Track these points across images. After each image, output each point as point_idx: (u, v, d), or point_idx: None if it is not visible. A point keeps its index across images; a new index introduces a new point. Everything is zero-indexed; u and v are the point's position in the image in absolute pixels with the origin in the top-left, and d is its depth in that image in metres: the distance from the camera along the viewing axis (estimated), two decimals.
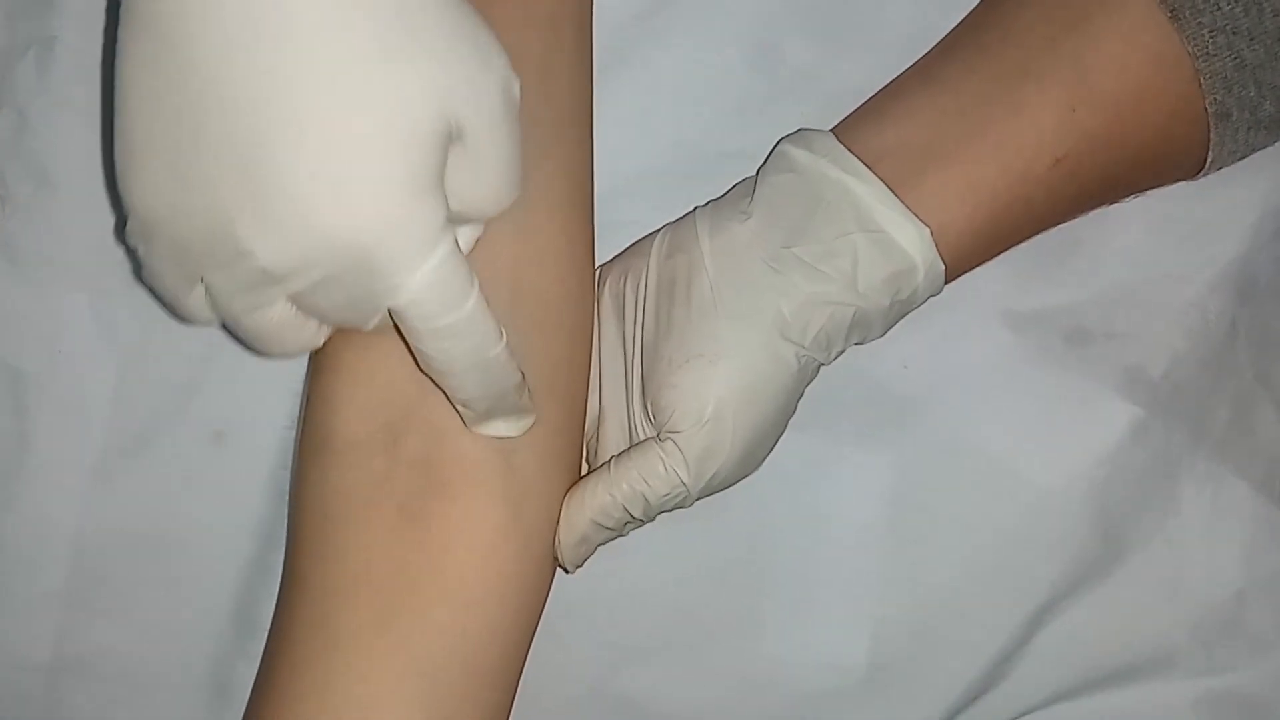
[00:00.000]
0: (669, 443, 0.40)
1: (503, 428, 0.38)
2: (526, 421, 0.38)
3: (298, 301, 0.34)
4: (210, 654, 0.45)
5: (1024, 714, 0.46)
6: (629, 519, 0.40)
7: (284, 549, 0.45)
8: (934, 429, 0.46)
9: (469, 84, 0.32)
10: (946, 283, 0.42)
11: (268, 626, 0.44)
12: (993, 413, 0.46)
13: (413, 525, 0.37)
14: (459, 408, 0.37)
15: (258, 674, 0.40)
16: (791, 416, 0.42)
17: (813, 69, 0.46)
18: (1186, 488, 0.46)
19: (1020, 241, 0.44)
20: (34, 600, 0.45)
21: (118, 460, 0.45)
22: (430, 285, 0.32)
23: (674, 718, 0.46)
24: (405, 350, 0.36)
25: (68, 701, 0.45)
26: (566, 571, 0.41)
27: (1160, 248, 0.47)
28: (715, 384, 0.39)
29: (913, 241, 0.40)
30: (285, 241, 0.31)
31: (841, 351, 0.42)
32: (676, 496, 0.40)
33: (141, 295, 0.45)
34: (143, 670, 0.45)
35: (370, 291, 0.32)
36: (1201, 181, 0.45)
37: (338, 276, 0.32)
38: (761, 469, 0.45)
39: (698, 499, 0.41)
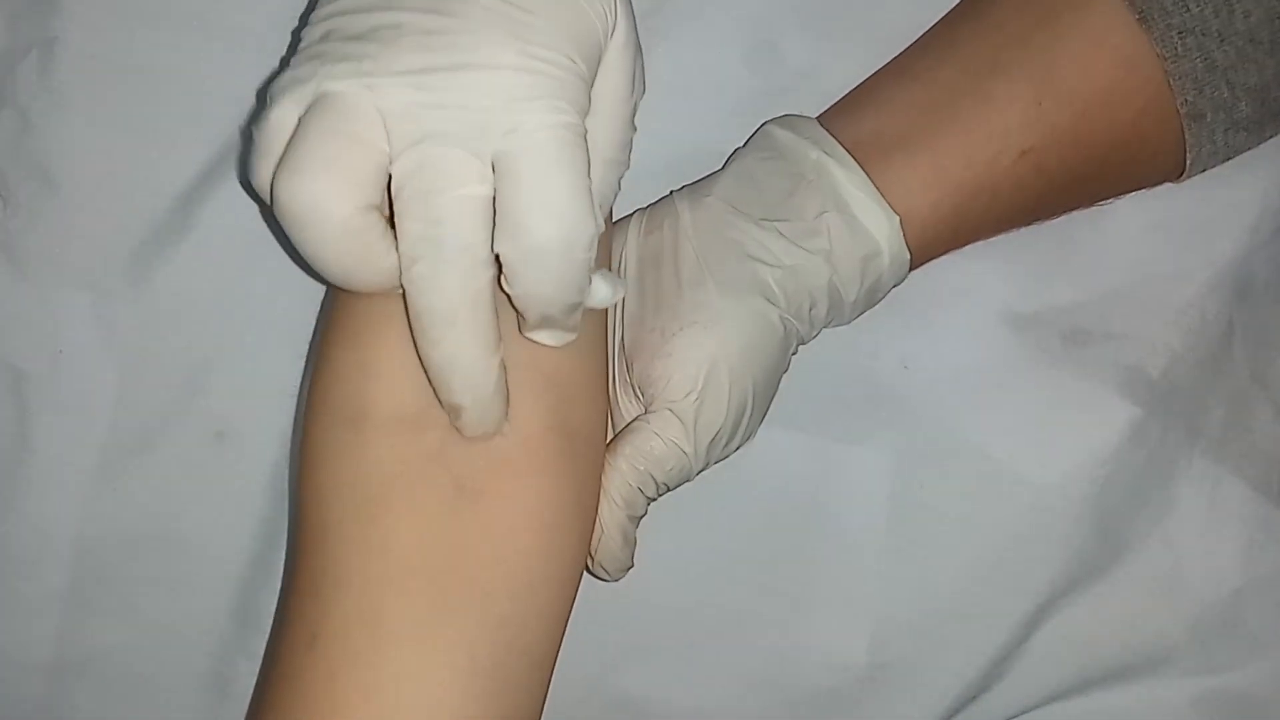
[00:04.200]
0: (662, 413, 0.39)
1: (548, 337, 0.36)
2: (570, 338, 0.36)
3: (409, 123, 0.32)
4: (212, 653, 0.45)
5: (1023, 712, 0.46)
6: (648, 501, 0.40)
7: (287, 542, 0.45)
8: (934, 428, 0.46)
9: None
10: (910, 269, 0.43)
11: (269, 625, 0.44)
12: (992, 412, 0.46)
13: (473, 505, 0.34)
14: (516, 305, 0.34)
15: (266, 680, 0.37)
16: (775, 392, 0.42)
17: (811, 68, 0.47)
18: (1184, 487, 0.47)
19: (987, 234, 0.44)
20: (35, 600, 0.45)
21: (119, 460, 0.45)
22: (557, 134, 0.32)
23: (674, 717, 0.46)
24: None
25: (69, 701, 0.45)
26: (609, 579, 0.41)
27: (1158, 248, 0.47)
28: (711, 348, 0.40)
29: (881, 228, 0.41)
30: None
31: (816, 334, 0.42)
32: (681, 469, 0.40)
33: (143, 295, 0.45)
34: (144, 670, 0.45)
35: (489, 123, 0.31)
36: (1199, 182, 0.45)
37: (464, 95, 0.32)
38: (762, 468, 0.45)
39: (700, 470, 0.41)
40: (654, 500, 0.41)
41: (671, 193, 0.43)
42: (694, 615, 0.46)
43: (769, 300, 0.40)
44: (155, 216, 0.45)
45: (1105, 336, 0.47)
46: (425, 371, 0.34)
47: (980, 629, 0.46)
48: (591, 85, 0.33)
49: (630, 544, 0.40)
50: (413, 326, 0.34)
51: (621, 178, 0.36)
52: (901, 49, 0.45)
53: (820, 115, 0.44)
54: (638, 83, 0.36)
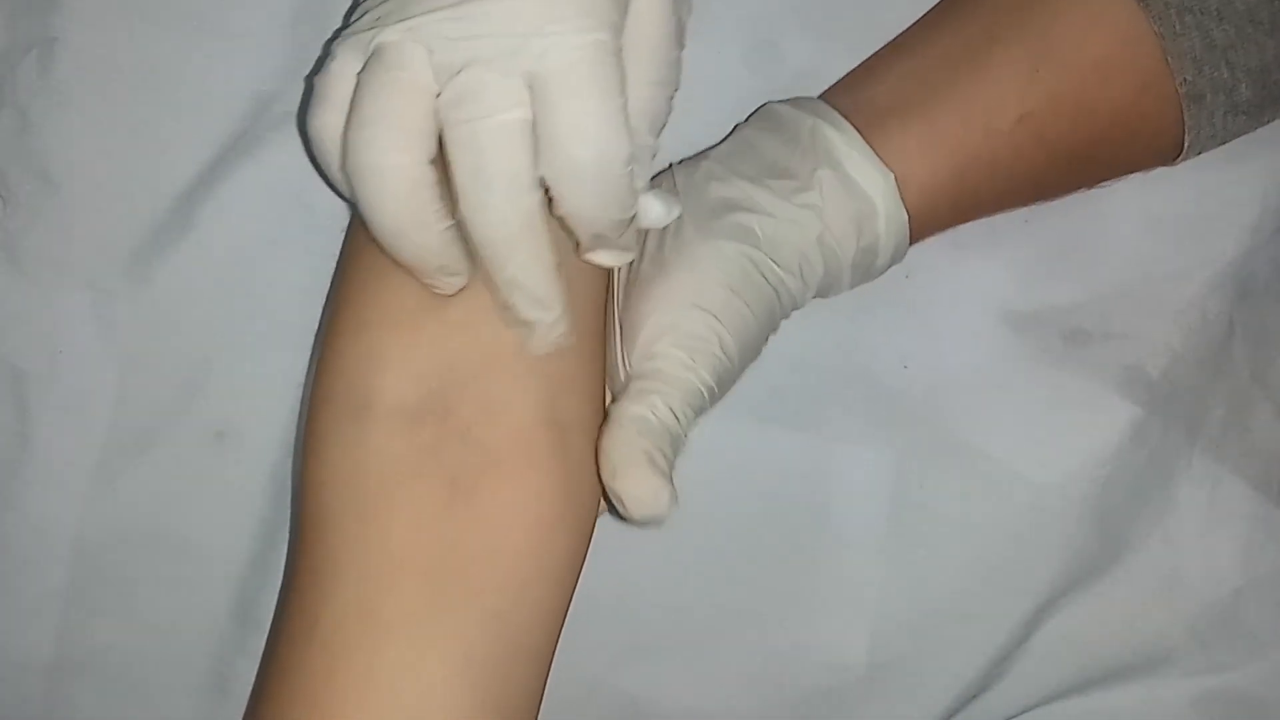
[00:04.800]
0: (646, 362, 0.38)
1: (606, 257, 0.37)
2: (628, 257, 0.38)
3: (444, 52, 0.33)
4: (211, 652, 0.45)
5: (1023, 712, 0.46)
6: (673, 430, 0.38)
7: (290, 534, 0.45)
8: (934, 428, 0.46)
9: None
10: (913, 242, 0.42)
11: (268, 624, 0.44)
12: (992, 412, 0.46)
13: (466, 501, 0.35)
14: (566, 226, 0.35)
15: (265, 672, 0.38)
16: (763, 345, 0.41)
17: (812, 68, 0.47)
18: (1184, 486, 0.47)
19: (988, 208, 0.44)
20: (35, 600, 0.45)
21: (119, 460, 0.45)
22: (586, 53, 0.32)
23: (674, 716, 0.46)
24: (467, 319, 0.36)
25: (69, 701, 0.45)
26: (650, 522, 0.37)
27: (1159, 247, 0.47)
28: (696, 288, 0.39)
29: (875, 185, 0.41)
30: None
31: (811, 295, 0.42)
32: (690, 402, 0.38)
33: (143, 295, 0.45)
34: (144, 669, 0.45)
35: (521, 47, 0.32)
36: (1200, 181, 0.45)
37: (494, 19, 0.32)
38: (761, 467, 0.45)
39: (711, 400, 0.39)
40: (678, 420, 0.38)
41: (670, 165, 0.43)
42: (694, 615, 0.46)
43: (753, 245, 0.40)
44: (155, 216, 0.45)
45: (1105, 336, 0.47)
46: (493, 295, 0.36)
47: (980, 629, 0.46)
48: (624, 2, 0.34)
49: (658, 472, 0.36)
50: (477, 257, 0.35)
51: (673, 97, 0.36)
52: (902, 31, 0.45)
53: (822, 94, 0.44)
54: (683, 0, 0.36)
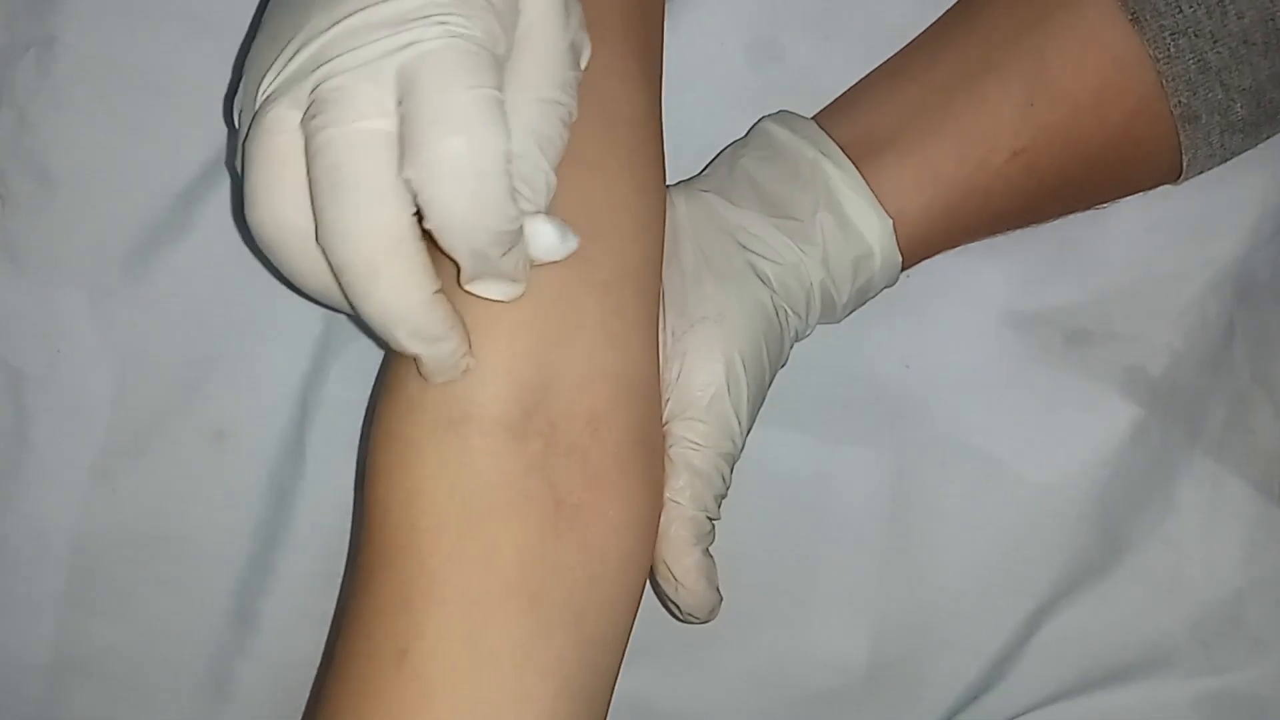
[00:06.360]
0: (689, 423, 0.39)
1: (492, 289, 0.33)
2: (516, 291, 0.33)
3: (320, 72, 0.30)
4: (210, 654, 0.45)
5: (1023, 713, 0.46)
6: (714, 520, 0.40)
7: (354, 545, 0.44)
8: (935, 428, 0.46)
9: None
10: (904, 269, 0.43)
11: (267, 626, 0.45)
12: (993, 412, 0.46)
13: (572, 521, 0.33)
14: (444, 247, 0.31)
15: (339, 693, 0.35)
16: (772, 380, 0.42)
17: (811, 65, 0.47)
18: (1184, 487, 0.47)
19: (981, 235, 0.44)
20: (34, 601, 0.45)
21: (117, 460, 0.45)
22: (452, 42, 0.29)
23: (674, 717, 0.46)
24: (564, 332, 0.34)
25: (68, 702, 0.45)
26: (702, 622, 0.41)
27: (1160, 248, 0.47)
28: (727, 342, 0.40)
29: (874, 230, 0.41)
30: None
31: (809, 332, 0.43)
32: (731, 463, 0.40)
33: (142, 294, 0.45)
34: (142, 670, 0.45)
35: (384, 45, 0.29)
36: (1200, 183, 0.45)
37: (358, 30, 0.30)
38: (762, 468, 0.45)
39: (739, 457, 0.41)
40: (717, 520, 0.40)
41: (668, 187, 0.43)
42: None
43: (770, 292, 0.41)
44: (154, 215, 0.45)
45: (1107, 336, 0.47)
46: (370, 325, 0.32)
47: (981, 629, 0.46)
48: (507, 15, 0.31)
49: (714, 581, 0.39)
50: (341, 285, 0.32)
51: (568, 122, 0.33)
52: (899, 47, 0.45)
53: (816, 114, 0.44)
54: (574, 21, 0.33)
